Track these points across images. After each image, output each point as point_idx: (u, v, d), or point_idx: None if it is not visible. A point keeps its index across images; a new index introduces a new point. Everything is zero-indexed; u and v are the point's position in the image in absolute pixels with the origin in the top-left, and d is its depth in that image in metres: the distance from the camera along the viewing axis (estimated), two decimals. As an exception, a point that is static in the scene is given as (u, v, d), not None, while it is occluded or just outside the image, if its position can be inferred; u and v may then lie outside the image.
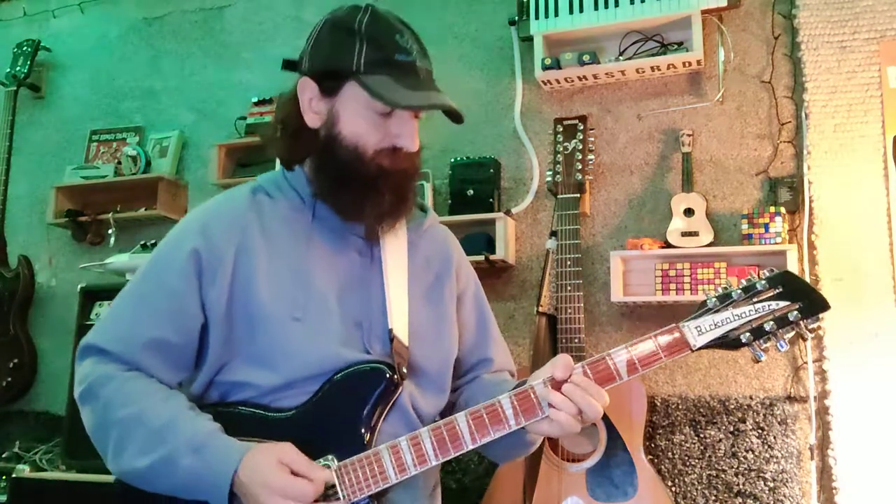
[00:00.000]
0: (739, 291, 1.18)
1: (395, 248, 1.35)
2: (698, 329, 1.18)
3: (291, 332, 1.24)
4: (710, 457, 2.42)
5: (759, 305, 1.17)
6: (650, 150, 2.67)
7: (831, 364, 2.32)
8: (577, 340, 2.33)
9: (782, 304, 1.17)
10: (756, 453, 2.38)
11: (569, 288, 2.37)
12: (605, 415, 2.12)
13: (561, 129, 2.56)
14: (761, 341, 1.18)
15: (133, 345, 1.25)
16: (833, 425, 2.29)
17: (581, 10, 2.66)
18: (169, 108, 3.40)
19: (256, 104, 3.09)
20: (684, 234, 2.48)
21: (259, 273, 1.26)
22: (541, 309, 2.41)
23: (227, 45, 3.36)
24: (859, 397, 2.27)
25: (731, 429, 2.42)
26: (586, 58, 2.61)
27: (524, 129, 2.83)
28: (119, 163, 3.24)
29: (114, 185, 3.23)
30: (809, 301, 1.17)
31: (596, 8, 2.63)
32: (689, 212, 2.50)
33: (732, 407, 2.43)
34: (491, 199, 2.73)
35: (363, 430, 1.22)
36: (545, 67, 2.66)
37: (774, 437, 2.37)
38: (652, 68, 2.63)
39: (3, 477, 2.77)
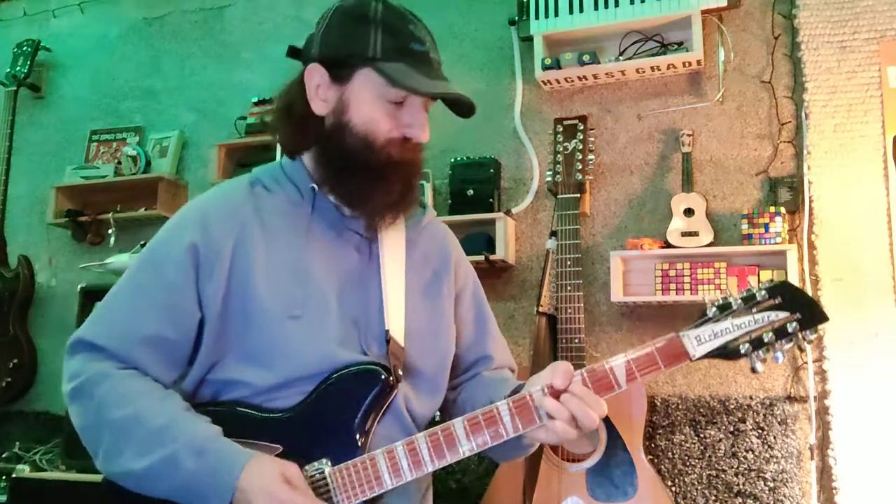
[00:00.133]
0: (739, 301, 1.18)
1: (393, 245, 1.33)
2: (698, 339, 1.18)
3: (289, 329, 1.22)
4: (710, 457, 2.42)
5: (758, 316, 1.17)
6: (650, 150, 2.67)
7: (831, 364, 2.31)
8: (577, 340, 2.33)
9: (781, 315, 1.16)
10: (756, 453, 2.38)
11: (569, 288, 2.37)
12: (605, 415, 2.12)
13: (561, 129, 2.56)
14: (760, 352, 1.17)
15: (129, 341, 1.22)
16: (833, 425, 2.29)
17: (581, 10, 2.66)
18: (169, 108, 3.40)
19: (256, 104, 3.09)
20: (684, 234, 2.47)
21: (257, 268, 1.24)
22: (541, 309, 2.41)
23: (227, 45, 3.36)
24: (859, 397, 2.27)
25: (731, 429, 2.42)
26: (586, 58, 2.61)
27: (524, 129, 2.83)
28: (119, 163, 3.24)
29: (114, 185, 3.23)
30: (808, 313, 1.16)
31: (596, 8, 2.63)
32: (689, 212, 2.50)
33: (732, 407, 2.42)
34: (491, 199, 2.73)
35: (357, 434, 1.20)
36: (545, 67, 2.66)
37: (774, 437, 2.37)
38: (652, 68, 2.63)
39: (3, 477, 2.77)
